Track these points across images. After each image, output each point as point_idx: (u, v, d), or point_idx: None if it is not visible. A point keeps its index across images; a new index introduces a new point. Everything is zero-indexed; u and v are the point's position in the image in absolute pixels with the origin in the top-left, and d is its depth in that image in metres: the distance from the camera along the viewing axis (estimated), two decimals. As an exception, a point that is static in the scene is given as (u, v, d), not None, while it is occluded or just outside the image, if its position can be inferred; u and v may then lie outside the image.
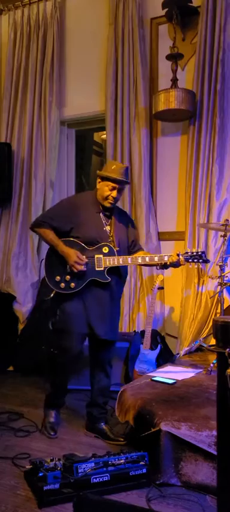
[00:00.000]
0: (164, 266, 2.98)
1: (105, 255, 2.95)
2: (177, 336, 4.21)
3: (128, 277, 4.41)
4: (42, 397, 3.38)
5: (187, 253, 3.01)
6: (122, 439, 2.91)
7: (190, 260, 2.99)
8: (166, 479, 2.36)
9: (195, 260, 2.98)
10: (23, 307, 4.78)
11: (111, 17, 4.52)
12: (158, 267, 3.02)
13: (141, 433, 2.54)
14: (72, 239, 2.99)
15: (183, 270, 4.18)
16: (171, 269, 4.29)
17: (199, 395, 2.84)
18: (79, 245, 2.96)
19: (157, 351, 3.84)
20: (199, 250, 3.01)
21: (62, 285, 2.96)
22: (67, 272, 2.94)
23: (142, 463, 2.42)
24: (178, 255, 2.92)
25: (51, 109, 4.86)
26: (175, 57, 4.11)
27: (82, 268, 2.90)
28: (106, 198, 2.98)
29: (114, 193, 2.97)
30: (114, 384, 3.86)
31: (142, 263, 3.03)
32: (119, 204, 4.42)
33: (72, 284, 2.94)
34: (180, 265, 2.99)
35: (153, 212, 4.42)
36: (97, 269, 2.94)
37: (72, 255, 2.90)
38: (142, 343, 3.86)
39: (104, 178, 2.99)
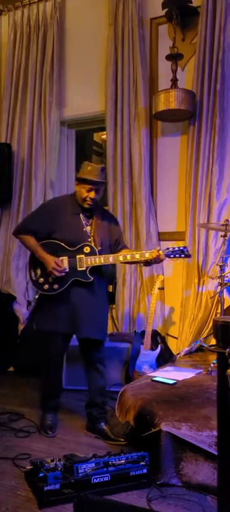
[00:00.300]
0: (147, 263, 3.02)
1: (86, 255, 3.00)
2: (177, 336, 4.21)
3: (128, 278, 4.44)
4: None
5: (168, 248, 3.05)
6: (122, 439, 2.92)
7: (171, 256, 3.03)
8: (166, 480, 2.36)
9: (177, 255, 3.02)
10: (23, 308, 4.78)
11: (111, 17, 4.52)
12: (142, 264, 3.06)
13: (141, 433, 2.54)
14: (54, 241, 3.05)
15: (183, 270, 4.18)
16: (171, 269, 4.36)
17: (200, 395, 2.84)
18: (60, 246, 3.03)
19: (158, 351, 3.83)
20: (181, 246, 3.05)
21: (46, 286, 3.03)
22: (50, 274, 3.01)
23: (142, 463, 2.41)
24: (158, 250, 2.97)
25: (51, 109, 4.86)
26: (175, 58, 4.11)
27: (61, 274, 2.97)
28: (85, 200, 3.04)
29: (92, 194, 3.02)
30: (115, 384, 3.87)
31: (124, 261, 3.06)
32: (120, 204, 4.48)
33: (55, 285, 3.01)
34: (161, 260, 3.01)
35: (153, 212, 4.42)
36: (79, 269, 2.99)
37: (50, 261, 2.97)
38: (142, 344, 3.85)
39: (81, 181, 3.05)
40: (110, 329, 4.57)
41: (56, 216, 3.09)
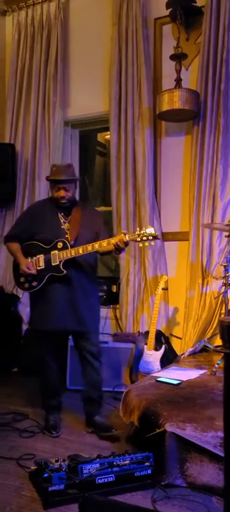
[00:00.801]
0: (117, 249, 2.98)
1: (59, 250, 3.12)
2: (181, 336, 4.20)
3: (132, 278, 4.44)
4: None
5: (134, 232, 3.03)
6: (114, 430, 3.05)
7: (138, 239, 2.97)
8: (171, 480, 2.35)
9: (144, 238, 2.95)
10: (27, 308, 4.77)
11: (115, 17, 4.52)
12: (115, 252, 3.06)
13: (145, 433, 2.54)
14: (33, 242, 3.22)
15: (187, 271, 4.17)
16: (175, 270, 4.35)
17: (204, 396, 2.83)
18: (38, 246, 3.19)
19: (162, 351, 3.82)
20: (149, 227, 3.02)
21: (26, 285, 3.20)
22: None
23: (147, 463, 2.41)
24: (124, 234, 2.97)
25: (55, 110, 4.87)
26: (179, 57, 4.10)
27: (31, 272, 3.13)
28: (57, 199, 3.19)
29: (61, 192, 3.16)
30: (118, 385, 3.87)
31: (92, 250, 3.05)
32: (123, 203, 4.47)
33: (34, 283, 3.17)
34: (127, 242, 2.96)
35: (157, 212, 4.42)
36: (53, 264, 3.12)
37: (22, 263, 3.16)
38: (146, 344, 3.85)
39: (51, 182, 3.24)
40: (114, 329, 4.57)
41: (36, 219, 3.27)
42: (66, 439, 3.05)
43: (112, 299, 4.64)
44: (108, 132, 4.82)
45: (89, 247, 3.04)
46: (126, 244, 2.99)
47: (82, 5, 4.90)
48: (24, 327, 4.79)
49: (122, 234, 2.99)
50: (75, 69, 4.96)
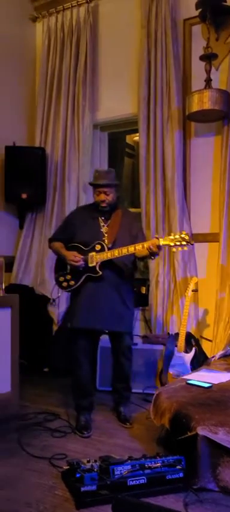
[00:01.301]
0: (151, 254, 3.09)
1: (97, 252, 3.28)
2: (212, 338, 4.16)
3: (161, 279, 4.43)
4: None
5: (168, 236, 3.17)
6: (128, 423, 3.28)
7: (171, 244, 3.10)
8: (203, 484, 2.34)
9: (177, 243, 3.08)
10: (57, 309, 4.85)
11: (144, 20, 4.52)
12: (149, 257, 3.17)
13: (176, 436, 2.53)
14: (73, 244, 3.39)
15: (218, 272, 4.13)
16: (205, 271, 4.32)
17: (236, 399, 2.79)
18: (77, 248, 3.36)
19: (192, 353, 3.81)
20: (183, 233, 3.13)
21: (65, 284, 3.37)
22: (68, 273, 3.35)
23: (178, 467, 2.40)
24: (157, 238, 3.09)
25: (84, 113, 4.91)
26: (209, 58, 4.06)
27: (80, 263, 3.27)
28: (98, 203, 3.37)
29: (102, 196, 3.34)
30: (148, 387, 3.88)
31: (127, 253, 3.18)
32: (153, 206, 4.46)
33: (72, 282, 3.33)
34: (154, 252, 3.07)
35: (187, 214, 4.39)
36: (90, 265, 3.27)
37: (69, 255, 3.32)
38: (176, 346, 3.84)
39: (92, 187, 3.42)
40: (143, 331, 4.58)
41: (75, 222, 3.47)
42: (97, 440, 3.07)
43: (142, 301, 4.65)
44: (137, 134, 4.83)
45: (124, 250, 3.17)
46: (159, 248, 3.07)
47: (111, 9, 4.93)
48: (55, 327, 4.86)
49: (155, 238, 3.08)
50: (104, 73, 4.99)
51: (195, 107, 3.96)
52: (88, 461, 2.40)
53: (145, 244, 3.11)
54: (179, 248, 3.12)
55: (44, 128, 5.18)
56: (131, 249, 3.15)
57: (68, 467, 2.44)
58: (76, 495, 2.27)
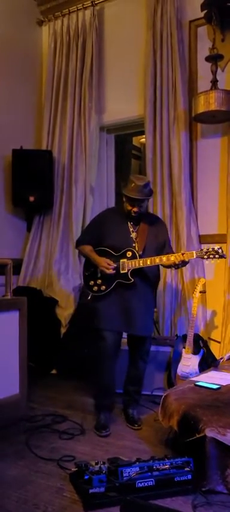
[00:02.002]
0: (176, 265, 3.22)
1: (128, 258, 3.29)
2: (220, 340, 4.14)
3: (169, 281, 4.42)
4: (86, 400, 3.46)
5: (201, 250, 3.29)
6: (137, 425, 3.29)
7: (205, 257, 3.20)
8: (212, 487, 2.33)
9: (211, 256, 3.19)
10: (65, 311, 4.86)
11: (149, 21, 4.53)
12: (174, 268, 3.28)
13: (185, 438, 2.53)
14: (103, 248, 3.37)
15: (225, 273, 4.11)
16: (213, 272, 4.30)
17: (245, 401, 2.78)
18: (107, 252, 3.34)
19: (200, 355, 3.79)
20: (215, 247, 3.21)
21: (95, 288, 3.36)
22: (99, 277, 3.34)
23: (187, 469, 2.39)
24: (182, 254, 3.18)
25: (91, 116, 4.93)
26: (214, 59, 4.06)
27: (111, 271, 3.27)
28: (129, 212, 3.33)
29: (135, 209, 3.31)
30: (157, 388, 3.87)
31: (159, 263, 3.27)
32: (159, 207, 4.46)
33: (103, 287, 3.32)
34: (186, 262, 3.24)
35: (194, 215, 4.38)
36: (121, 272, 3.29)
37: (102, 262, 3.30)
38: (184, 347, 3.83)
39: (125, 196, 3.31)
40: (151, 332, 4.56)
41: (104, 226, 3.44)
42: (105, 442, 3.07)
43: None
44: (144, 136, 4.83)
45: (157, 260, 3.23)
46: (184, 263, 3.22)
47: (117, 12, 4.95)
48: (63, 330, 4.87)
49: (184, 255, 3.18)
50: (110, 75, 5.01)
51: (201, 108, 3.96)
52: (97, 463, 2.40)
53: (173, 258, 3.17)
54: (212, 261, 3.22)
55: (50, 130, 5.20)
56: (164, 259, 3.21)
57: (76, 469, 2.44)
58: (84, 497, 2.27)
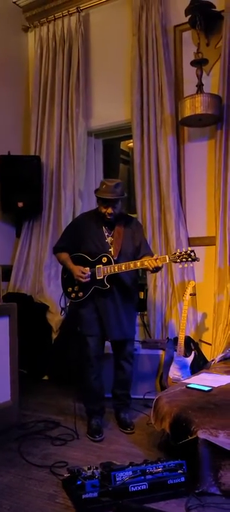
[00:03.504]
0: (151, 270, 3.20)
1: (104, 264, 3.28)
2: (211, 342, 4.17)
3: (159, 284, 4.43)
4: (78, 405, 3.45)
5: (174, 254, 3.25)
6: (129, 429, 3.30)
7: (178, 260, 3.19)
8: (205, 488, 2.33)
9: (184, 260, 3.18)
10: (56, 317, 4.84)
11: (135, 27, 4.55)
12: (149, 272, 3.32)
13: (177, 441, 2.54)
14: (79, 254, 3.39)
15: (215, 276, 4.14)
16: (202, 275, 4.33)
17: (236, 401, 2.80)
18: (84, 259, 3.35)
19: (191, 357, 3.81)
20: (188, 250, 3.20)
21: (73, 295, 3.38)
22: (76, 284, 3.35)
23: (180, 471, 2.40)
24: (155, 260, 3.17)
25: (78, 120, 4.94)
26: (199, 63, 4.09)
27: (86, 279, 3.28)
28: (104, 215, 3.32)
29: (109, 210, 3.30)
30: (149, 392, 3.87)
31: (134, 268, 3.26)
32: (148, 211, 4.48)
33: (80, 293, 3.35)
34: (159, 268, 3.21)
35: (183, 218, 4.41)
36: (97, 278, 3.28)
37: (76, 270, 3.31)
38: (175, 350, 3.84)
39: (99, 199, 3.33)
40: (142, 335, 4.57)
41: (80, 231, 3.43)
42: (97, 447, 3.07)
43: (140, 306, 4.65)
44: (131, 140, 4.85)
45: (131, 265, 3.23)
46: (158, 268, 3.19)
47: (102, 18, 4.97)
48: (54, 335, 4.86)
49: (158, 261, 3.16)
50: (97, 80, 5.02)
51: (188, 112, 3.99)
52: (89, 469, 2.41)
53: (147, 264, 3.16)
54: (186, 265, 3.21)
55: (38, 136, 5.20)
56: (138, 264, 3.22)
57: (69, 475, 2.44)
58: (77, 503, 2.27)
